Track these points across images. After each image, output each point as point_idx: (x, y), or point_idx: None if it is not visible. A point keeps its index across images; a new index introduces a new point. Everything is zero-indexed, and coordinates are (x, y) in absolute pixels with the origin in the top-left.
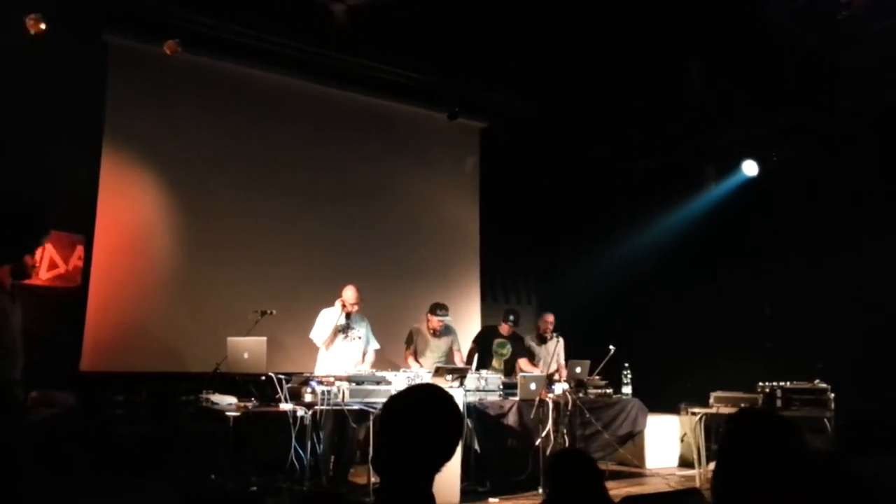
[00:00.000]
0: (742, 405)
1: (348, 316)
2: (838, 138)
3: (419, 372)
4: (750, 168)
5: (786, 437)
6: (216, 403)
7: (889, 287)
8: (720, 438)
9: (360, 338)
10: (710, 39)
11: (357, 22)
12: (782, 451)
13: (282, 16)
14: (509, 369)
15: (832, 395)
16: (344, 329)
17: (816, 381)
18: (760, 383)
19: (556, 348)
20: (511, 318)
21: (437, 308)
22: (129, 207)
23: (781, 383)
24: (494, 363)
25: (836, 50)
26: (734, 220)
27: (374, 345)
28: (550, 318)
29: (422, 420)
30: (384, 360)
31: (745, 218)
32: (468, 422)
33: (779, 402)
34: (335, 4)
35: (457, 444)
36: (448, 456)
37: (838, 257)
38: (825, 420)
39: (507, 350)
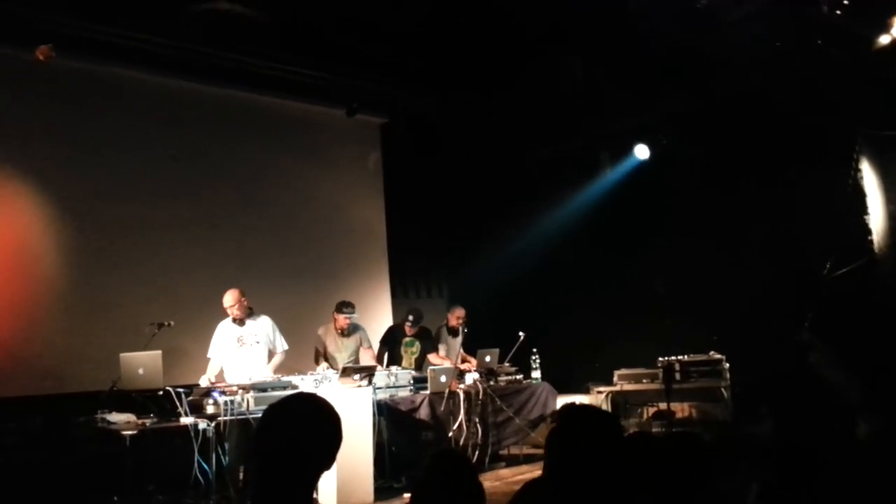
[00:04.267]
0: (645, 381)
1: (241, 322)
2: (717, 122)
3: (326, 374)
4: (642, 152)
5: (605, 427)
6: (113, 423)
7: (771, 258)
8: (548, 435)
9: (258, 342)
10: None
11: (246, 21)
12: (603, 440)
13: (165, 16)
14: (420, 366)
15: (727, 365)
16: (237, 337)
17: (711, 352)
18: (660, 358)
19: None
20: (411, 318)
21: (343, 306)
22: (7, 221)
23: (679, 357)
24: (404, 363)
25: (701, 39)
26: (630, 203)
27: (283, 345)
28: (461, 311)
29: (297, 430)
30: (293, 366)
31: (639, 200)
32: (381, 419)
33: (677, 375)
34: (220, 3)
35: (335, 453)
36: (327, 465)
37: (726, 233)
38: (721, 389)
39: (416, 348)
